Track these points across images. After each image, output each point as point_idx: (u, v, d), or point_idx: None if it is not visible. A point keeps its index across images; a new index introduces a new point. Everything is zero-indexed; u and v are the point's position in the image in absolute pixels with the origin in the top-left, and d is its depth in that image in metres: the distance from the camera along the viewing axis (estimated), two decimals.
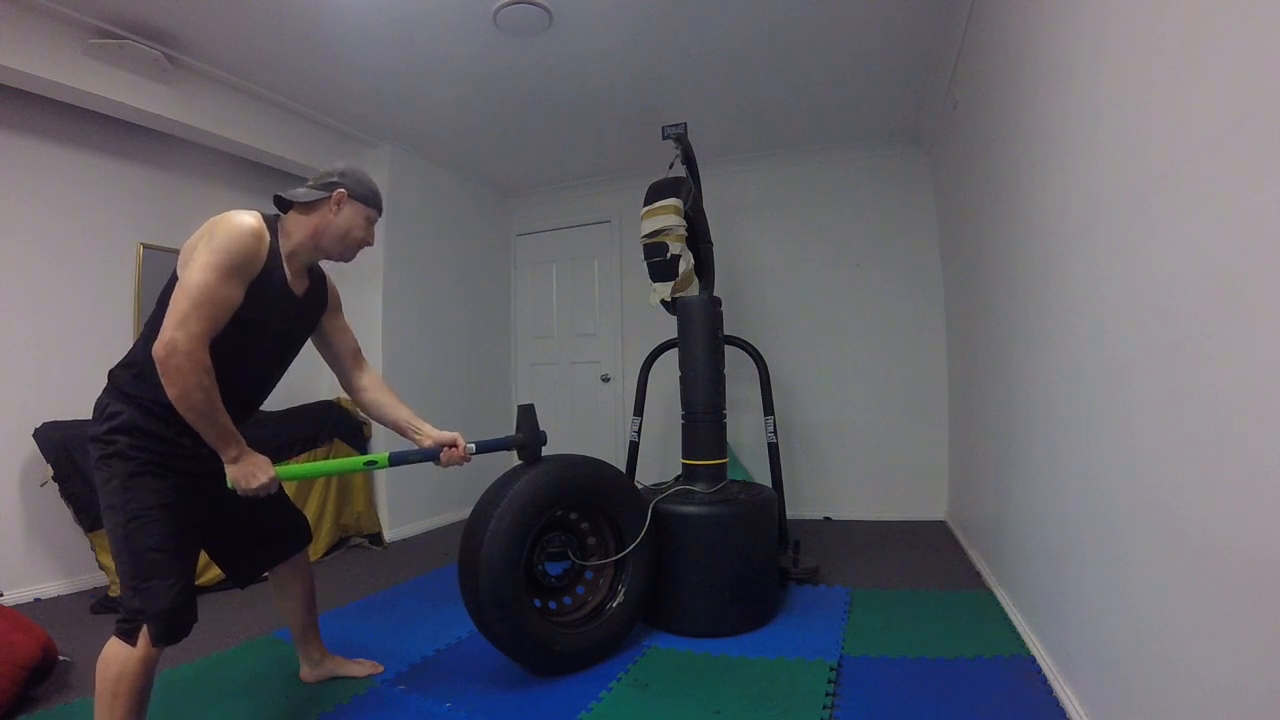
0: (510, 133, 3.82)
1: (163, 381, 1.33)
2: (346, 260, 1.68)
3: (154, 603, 1.35)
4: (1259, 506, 0.88)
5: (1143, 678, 1.23)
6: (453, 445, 1.76)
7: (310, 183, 1.63)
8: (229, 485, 1.47)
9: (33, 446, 2.58)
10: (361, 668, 1.98)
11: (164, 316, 1.40)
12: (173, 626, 1.37)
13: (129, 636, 1.35)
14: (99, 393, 1.47)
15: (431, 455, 1.74)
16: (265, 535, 1.75)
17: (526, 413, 2.00)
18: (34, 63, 2.39)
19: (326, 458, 3.40)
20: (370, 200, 1.67)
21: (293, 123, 3.40)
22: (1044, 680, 1.76)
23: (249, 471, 1.46)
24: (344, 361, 1.81)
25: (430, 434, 1.77)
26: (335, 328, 1.79)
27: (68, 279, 2.83)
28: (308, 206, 1.60)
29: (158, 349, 1.32)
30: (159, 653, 1.38)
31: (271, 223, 1.54)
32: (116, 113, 2.74)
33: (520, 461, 1.99)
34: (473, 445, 1.81)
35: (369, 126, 3.67)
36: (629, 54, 2.94)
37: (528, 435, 1.97)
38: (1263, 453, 0.87)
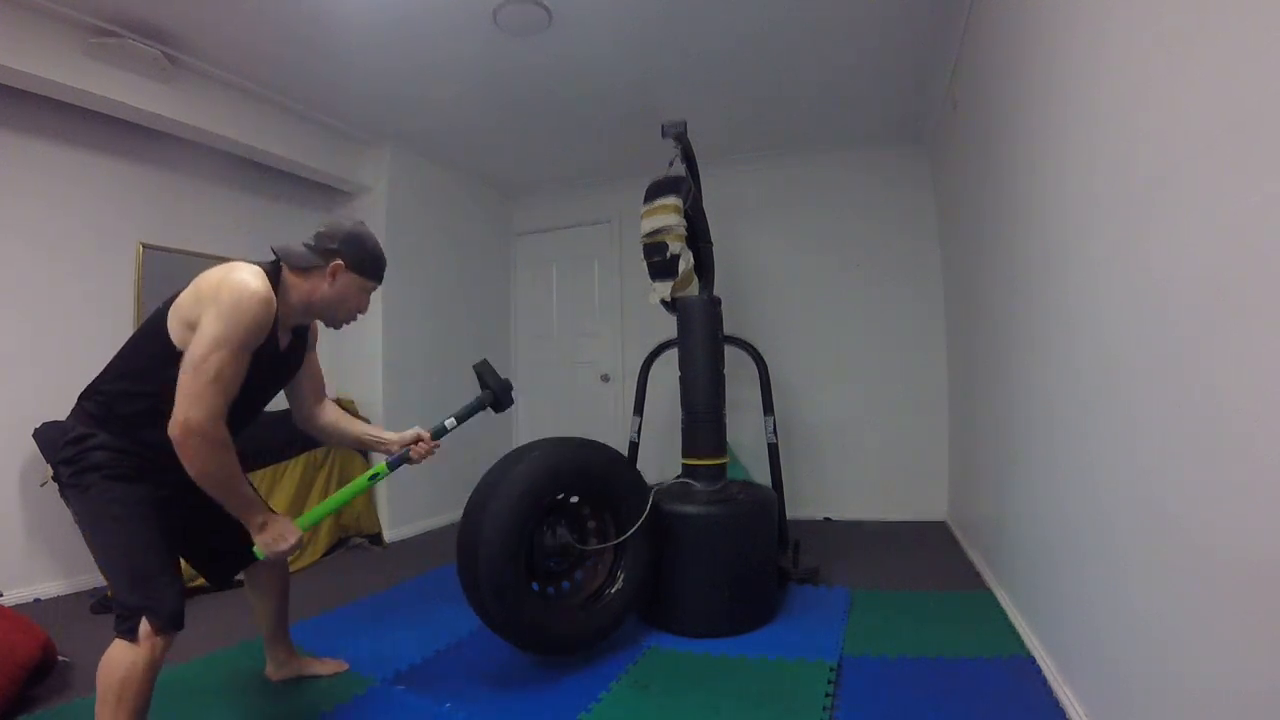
0: (510, 133, 3.82)
1: (181, 460, 1.34)
2: (336, 328, 1.64)
3: (158, 596, 1.35)
4: (1258, 507, 0.88)
5: (1142, 678, 1.23)
6: (416, 441, 1.77)
7: (310, 241, 1.55)
8: (256, 554, 1.51)
9: (33, 446, 2.57)
10: (327, 666, 1.97)
11: (137, 355, 1.43)
12: (177, 618, 1.38)
13: (130, 635, 1.34)
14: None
15: (405, 458, 1.77)
16: (243, 537, 1.69)
17: (485, 369, 1.98)
18: (34, 63, 2.39)
19: (327, 457, 3.40)
20: (369, 271, 1.59)
21: (293, 122, 3.40)
22: (1044, 680, 1.76)
23: (276, 537, 1.50)
24: (308, 395, 1.79)
25: (392, 438, 1.78)
26: (306, 362, 1.75)
27: (68, 279, 2.83)
28: (304, 271, 1.53)
29: (174, 430, 1.32)
30: (163, 655, 1.37)
31: (273, 277, 1.48)
32: (116, 112, 2.74)
33: (497, 414, 1.99)
34: (451, 420, 1.83)
35: (369, 126, 3.67)
36: (629, 53, 2.94)
37: (495, 388, 1.93)
38: (1261, 453, 0.87)
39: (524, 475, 1.91)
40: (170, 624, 1.36)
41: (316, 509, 1.71)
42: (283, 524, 1.52)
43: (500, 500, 1.86)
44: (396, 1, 2.49)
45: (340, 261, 1.53)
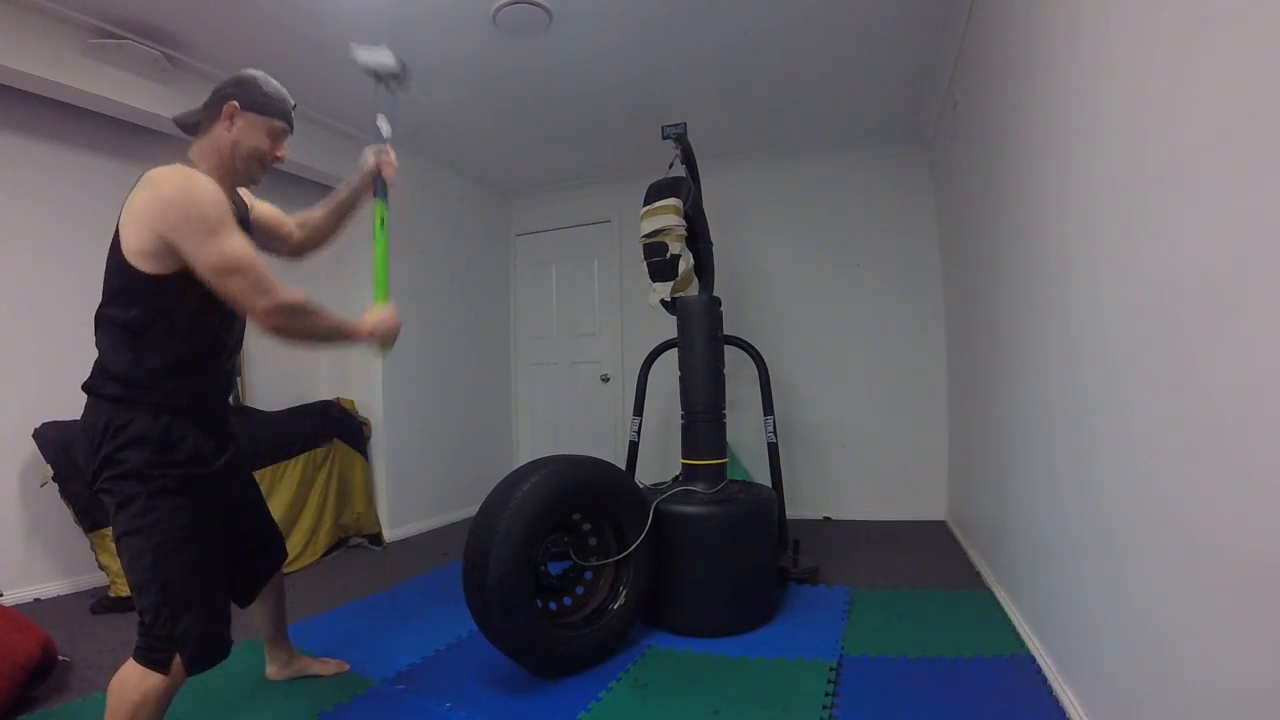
0: (510, 133, 3.82)
1: (287, 343, 1.36)
2: (254, 182, 1.54)
3: (192, 632, 1.30)
4: (1256, 507, 0.88)
5: (1142, 677, 1.23)
6: (373, 168, 1.74)
7: (205, 100, 1.46)
8: (380, 352, 1.56)
9: (33, 446, 2.58)
10: (328, 666, 1.97)
11: (124, 318, 1.33)
12: (212, 653, 1.34)
13: (159, 666, 1.28)
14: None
15: (380, 183, 1.75)
16: (253, 549, 1.69)
17: (368, 63, 1.82)
18: (34, 63, 2.39)
19: (327, 458, 3.41)
20: (267, 108, 1.47)
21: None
22: (1044, 680, 1.76)
23: (381, 329, 1.52)
24: (286, 232, 1.73)
25: (352, 182, 1.76)
26: (261, 218, 1.67)
27: (68, 279, 2.82)
28: (205, 128, 1.44)
29: (260, 326, 1.33)
30: (184, 679, 1.33)
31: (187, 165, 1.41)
32: (116, 113, 2.74)
33: (391, 96, 1.87)
34: (382, 121, 1.80)
35: (369, 127, 3.66)
36: (629, 54, 2.94)
37: (383, 74, 1.82)
38: (1260, 453, 0.87)
39: (534, 495, 1.88)
40: (207, 662, 1.32)
41: (377, 270, 1.68)
42: (373, 316, 1.52)
43: (511, 520, 1.82)
44: (396, 2, 2.49)
45: (234, 103, 1.44)
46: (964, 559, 3.00)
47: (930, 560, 3.04)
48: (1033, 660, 1.89)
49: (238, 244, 1.30)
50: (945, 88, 3.11)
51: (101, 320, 1.38)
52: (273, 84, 1.52)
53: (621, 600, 2.08)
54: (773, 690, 1.80)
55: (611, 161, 4.32)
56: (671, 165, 2.86)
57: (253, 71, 1.51)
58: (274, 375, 3.64)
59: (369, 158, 1.76)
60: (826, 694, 1.74)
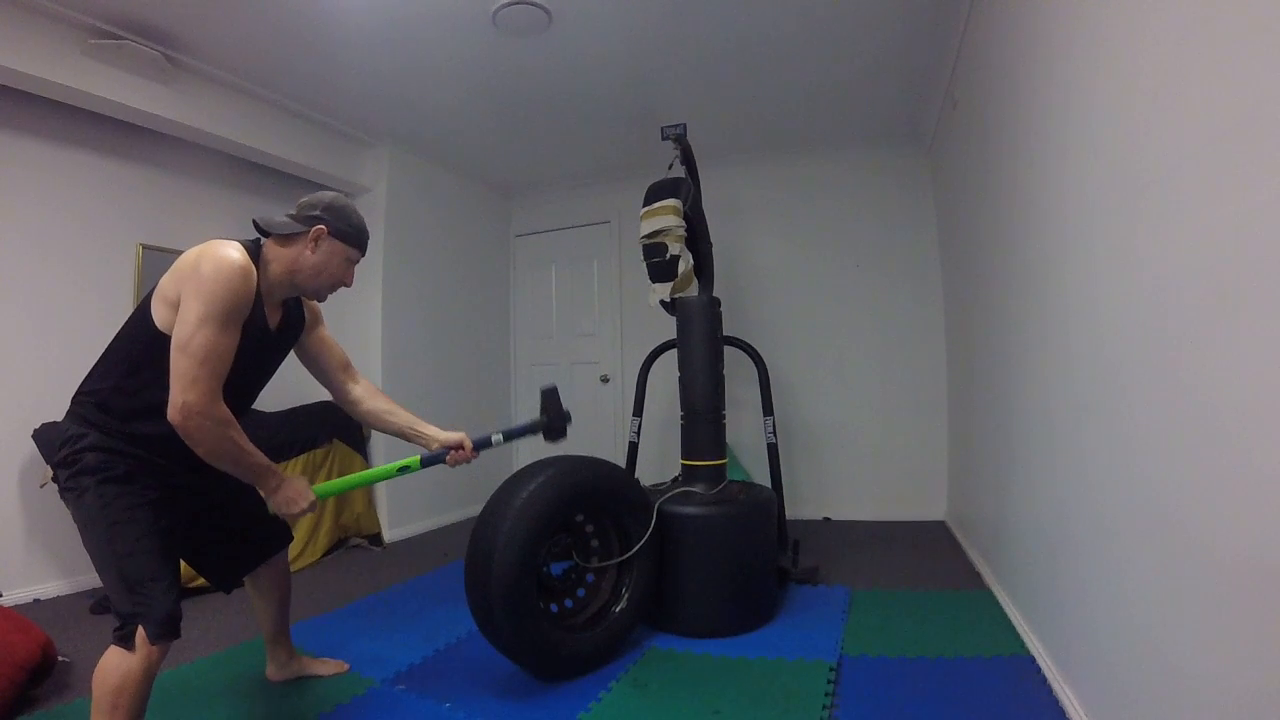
0: (510, 133, 3.82)
1: (186, 442, 1.34)
2: (320, 300, 1.63)
3: (150, 603, 1.33)
4: (1253, 508, 0.88)
5: (1141, 677, 1.23)
6: (459, 447, 1.76)
7: (292, 212, 1.56)
8: (271, 512, 1.51)
9: (32, 447, 2.58)
10: (327, 666, 1.97)
11: (126, 347, 1.42)
12: (170, 625, 1.36)
13: (127, 642, 1.33)
14: None
15: (440, 458, 1.76)
16: (246, 539, 1.72)
17: (550, 396, 1.94)
18: (34, 63, 2.39)
19: (327, 458, 3.40)
20: (351, 239, 1.58)
21: (293, 123, 3.40)
22: (1044, 680, 1.76)
23: (289, 498, 1.50)
24: (333, 375, 1.78)
25: (436, 436, 1.76)
26: (316, 342, 1.74)
27: (68, 279, 2.83)
28: (286, 239, 1.53)
29: (173, 415, 1.31)
30: (160, 660, 1.36)
31: (254, 253, 1.47)
32: (116, 113, 2.74)
33: (548, 442, 1.94)
34: (498, 435, 1.82)
35: (368, 127, 3.67)
36: (629, 54, 2.94)
37: (552, 417, 1.90)
38: (1257, 454, 0.87)
39: (539, 497, 1.87)
40: (165, 632, 1.34)
41: (337, 481, 1.70)
42: (297, 485, 1.51)
43: (516, 522, 1.82)
44: (395, 2, 2.49)
45: (323, 227, 1.52)
46: (964, 559, 3.00)
47: (930, 560, 3.04)
48: (1032, 660, 1.89)
49: (212, 338, 1.33)
50: (945, 88, 3.11)
51: (107, 350, 1.46)
52: (359, 215, 1.62)
53: (624, 603, 2.07)
54: (773, 690, 1.80)
55: (611, 161, 4.32)
56: (671, 165, 2.87)
57: (342, 199, 1.59)
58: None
59: (457, 445, 1.76)
60: (826, 694, 1.74)
